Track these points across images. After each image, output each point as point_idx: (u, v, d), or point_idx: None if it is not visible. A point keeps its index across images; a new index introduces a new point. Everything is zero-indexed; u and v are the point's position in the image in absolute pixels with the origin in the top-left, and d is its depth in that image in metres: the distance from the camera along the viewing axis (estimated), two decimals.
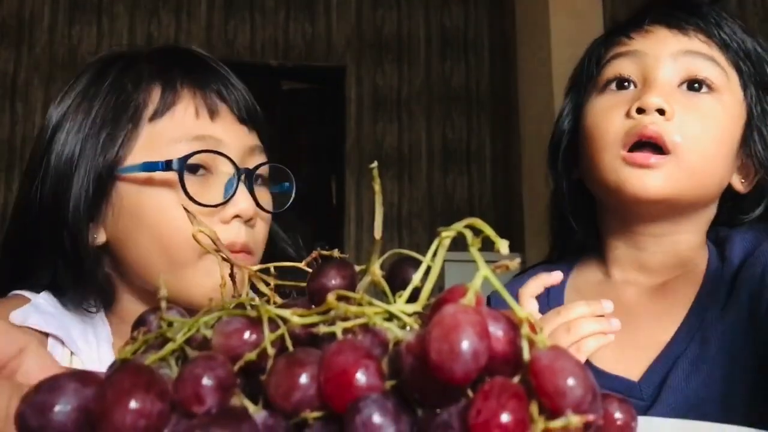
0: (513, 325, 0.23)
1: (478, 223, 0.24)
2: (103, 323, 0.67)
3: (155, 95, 0.63)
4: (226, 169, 0.64)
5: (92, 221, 0.63)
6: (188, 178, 0.61)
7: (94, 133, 0.62)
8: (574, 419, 0.20)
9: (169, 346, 0.26)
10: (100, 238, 0.64)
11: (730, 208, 0.73)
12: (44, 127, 0.66)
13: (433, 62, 4.42)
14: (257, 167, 0.67)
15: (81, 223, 0.62)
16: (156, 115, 0.63)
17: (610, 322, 0.61)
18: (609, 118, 0.69)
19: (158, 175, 0.61)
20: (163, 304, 0.30)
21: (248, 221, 0.64)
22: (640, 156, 0.65)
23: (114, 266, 0.66)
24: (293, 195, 0.71)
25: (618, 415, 0.25)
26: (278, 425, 0.23)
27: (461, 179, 4.37)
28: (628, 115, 0.67)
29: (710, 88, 0.67)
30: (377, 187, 0.29)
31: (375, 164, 0.29)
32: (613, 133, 0.68)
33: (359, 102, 4.30)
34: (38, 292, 0.65)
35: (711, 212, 0.72)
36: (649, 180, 0.65)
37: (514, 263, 0.24)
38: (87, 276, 0.63)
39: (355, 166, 4.22)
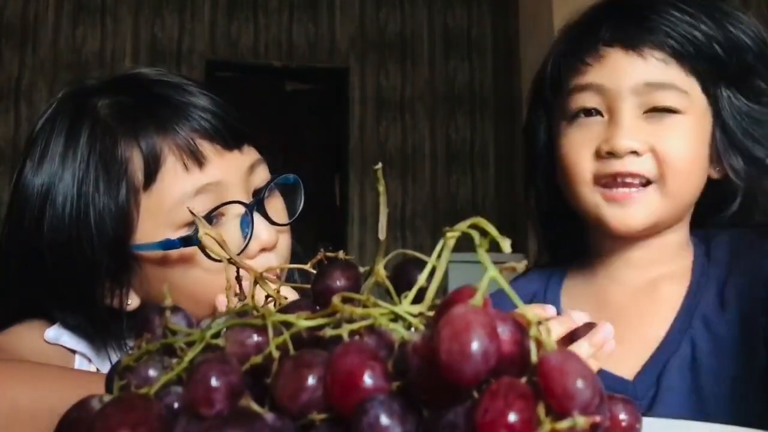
0: (520, 327, 0.23)
1: (482, 222, 0.24)
2: None
3: (137, 161, 0.60)
4: (236, 209, 0.62)
5: (120, 288, 0.62)
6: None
7: (93, 207, 0.59)
8: (581, 420, 0.20)
9: (179, 368, 0.26)
10: (134, 303, 0.63)
11: (709, 198, 0.72)
12: (27, 193, 0.61)
13: (436, 63, 4.43)
14: (265, 190, 0.64)
15: (100, 294, 0.61)
16: (148, 184, 0.60)
17: (601, 334, 0.58)
18: (580, 155, 0.68)
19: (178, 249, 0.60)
20: (168, 313, 0.30)
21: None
22: (620, 193, 0.66)
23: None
24: (302, 202, 0.69)
25: (623, 416, 0.25)
26: (285, 427, 0.23)
27: (464, 180, 4.37)
28: (598, 154, 0.67)
29: (674, 111, 0.66)
30: (381, 189, 0.29)
31: (379, 165, 0.29)
32: (587, 171, 0.67)
33: (362, 102, 4.30)
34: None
35: (692, 207, 0.72)
36: (629, 215, 0.65)
37: (521, 265, 0.24)
38: (112, 334, 0.63)
39: (359, 167, 4.22)
